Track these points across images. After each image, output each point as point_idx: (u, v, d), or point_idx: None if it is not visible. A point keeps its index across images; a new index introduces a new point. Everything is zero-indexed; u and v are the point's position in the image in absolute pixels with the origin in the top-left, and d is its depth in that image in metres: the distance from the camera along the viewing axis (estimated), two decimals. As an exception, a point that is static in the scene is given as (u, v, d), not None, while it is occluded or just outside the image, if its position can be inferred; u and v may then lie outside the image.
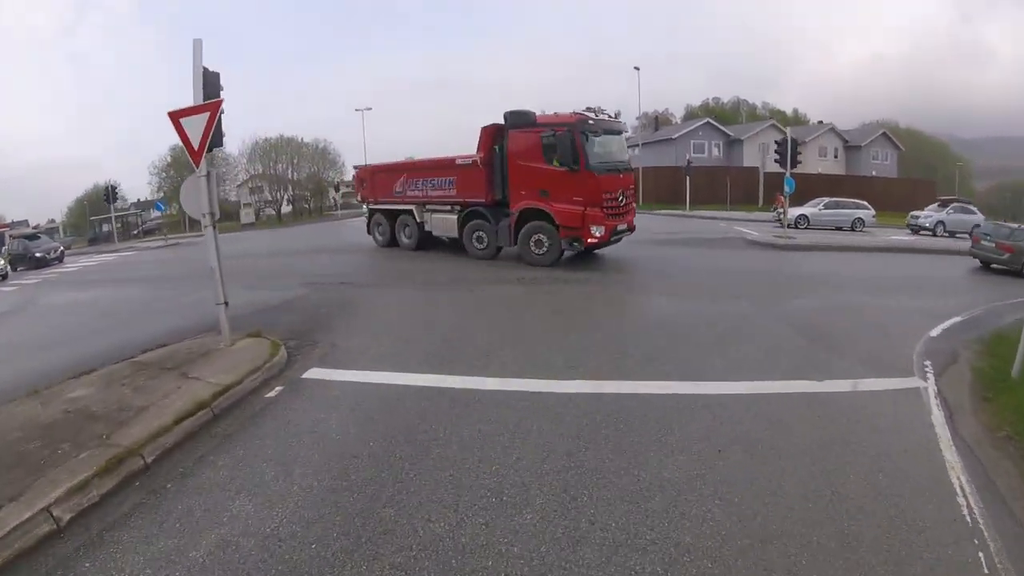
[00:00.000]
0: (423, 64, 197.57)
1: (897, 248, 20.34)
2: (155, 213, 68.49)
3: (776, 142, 21.50)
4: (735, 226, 26.19)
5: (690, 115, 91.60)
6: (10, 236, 34.25)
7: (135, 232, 56.83)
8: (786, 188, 20.01)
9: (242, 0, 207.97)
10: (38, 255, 28.36)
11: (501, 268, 13.82)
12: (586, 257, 14.59)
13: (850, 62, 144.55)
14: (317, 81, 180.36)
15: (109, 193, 34.45)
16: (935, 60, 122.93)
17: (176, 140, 7.43)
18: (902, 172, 60.55)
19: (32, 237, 31.50)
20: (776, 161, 20.56)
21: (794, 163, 20.23)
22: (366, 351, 7.50)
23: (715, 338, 7.84)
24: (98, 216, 57.13)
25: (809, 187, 38.08)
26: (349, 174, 61.34)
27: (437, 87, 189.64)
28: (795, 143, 20.76)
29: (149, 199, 62.42)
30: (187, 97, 7.41)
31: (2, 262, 25.18)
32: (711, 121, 58.37)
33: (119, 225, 53.28)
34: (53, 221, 67.09)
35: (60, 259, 29.42)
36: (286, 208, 60.85)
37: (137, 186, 56.69)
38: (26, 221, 75.01)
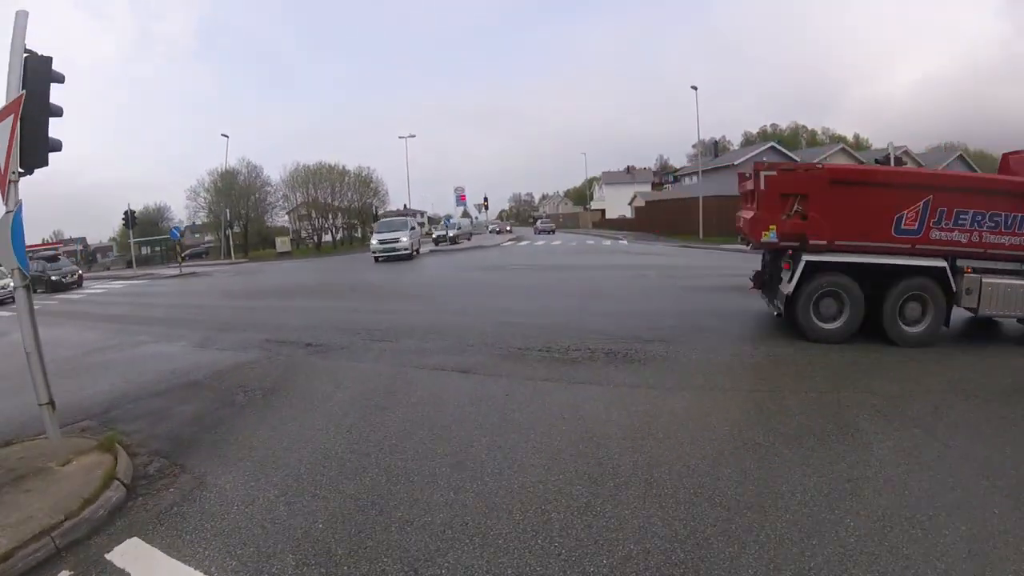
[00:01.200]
0: (469, 97, 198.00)
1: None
2: (193, 237, 68.91)
3: (877, 161, 17.54)
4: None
5: (748, 142, 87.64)
6: (32, 257, 33.00)
7: (184, 255, 56.22)
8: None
9: (294, 32, 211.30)
10: (54, 278, 27.83)
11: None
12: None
13: (905, 83, 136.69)
14: (362, 111, 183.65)
15: (128, 218, 32.76)
16: (991, 77, 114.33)
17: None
18: None
19: (52, 259, 30.48)
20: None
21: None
22: (239, 507, 4.40)
23: None
24: (143, 238, 57.08)
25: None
26: (394, 202, 60.34)
27: (488, 118, 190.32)
28: (901, 162, 16.81)
29: (197, 223, 62.17)
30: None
31: (10, 283, 24.13)
32: (776, 146, 53.97)
33: (159, 249, 52.88)
34: (115, 239, 67.37)
35: (78, 283, 28.68)
36: (336, 236, 59.47)
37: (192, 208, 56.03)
38: (84, 239, 76.54)
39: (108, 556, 3.84)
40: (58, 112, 6.13)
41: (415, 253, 31.75)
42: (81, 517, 4.20)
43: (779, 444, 5.00)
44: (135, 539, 4.02)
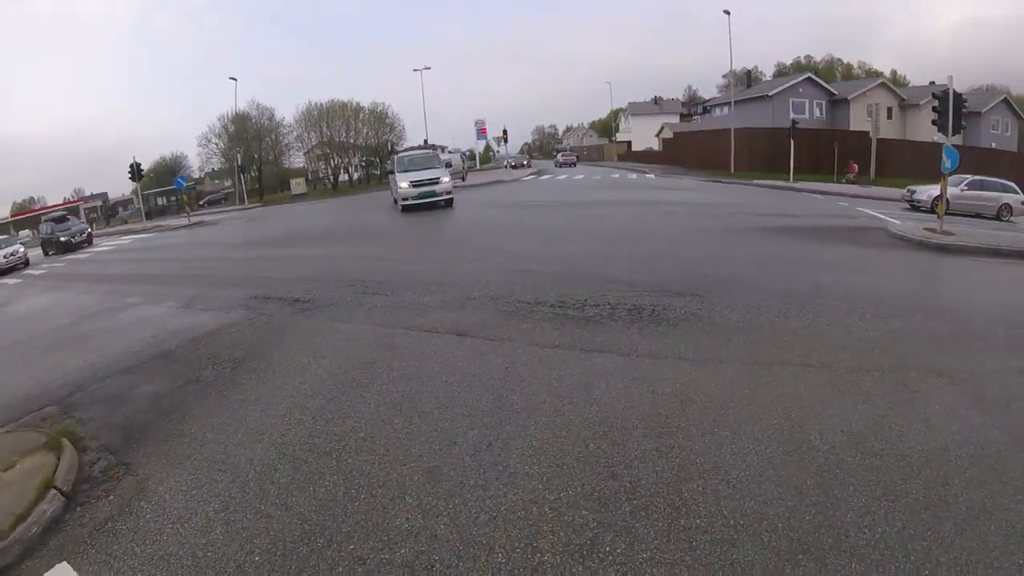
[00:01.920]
0: (489, 30, 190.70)
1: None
2: (213, 183, 68.32)
3: (935, 95, 15.46)
4: (859, 207, 20.50)
5: (781, 73, 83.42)
6: (43, 220, 32.65)
7: (201, 203, 55.83)
8: (947, 161, 13.99)
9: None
10: (63, 239, 27.63)
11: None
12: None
13: (947, 24, 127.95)
14: (377, 46, 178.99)
15: (134, 171, 31.83)
16: None
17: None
18: (1021, 146, 50.77)
19: (60, 220, 30.02)
20: (934, 123, 14.84)
21: (958, 128, 14.44)
22: (173, 526, 3.68)
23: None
24: (159, 189, 56.63)
25: (924, 158, 31.64)
26: (411, 139, 58.65)
27: (509, 51, 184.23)
28: (960, 99, 14.86)
29: (217, 168, 61.38)
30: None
31: (21, 248, 24.45)
32: (812, 77, 50.89)
33: (173, 199, 52.32)
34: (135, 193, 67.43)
35: (88, 242, 28.68)
36: (353, 175, 58.20)
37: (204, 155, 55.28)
38: (105, 194, 76.72)
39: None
40: None
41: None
42: (11, 539, 3.68)
43: (841, 449, 3.90)
44: (64, 565, 3.48)
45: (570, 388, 5.00)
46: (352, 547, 3.17)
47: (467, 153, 60.88)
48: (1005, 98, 52.21)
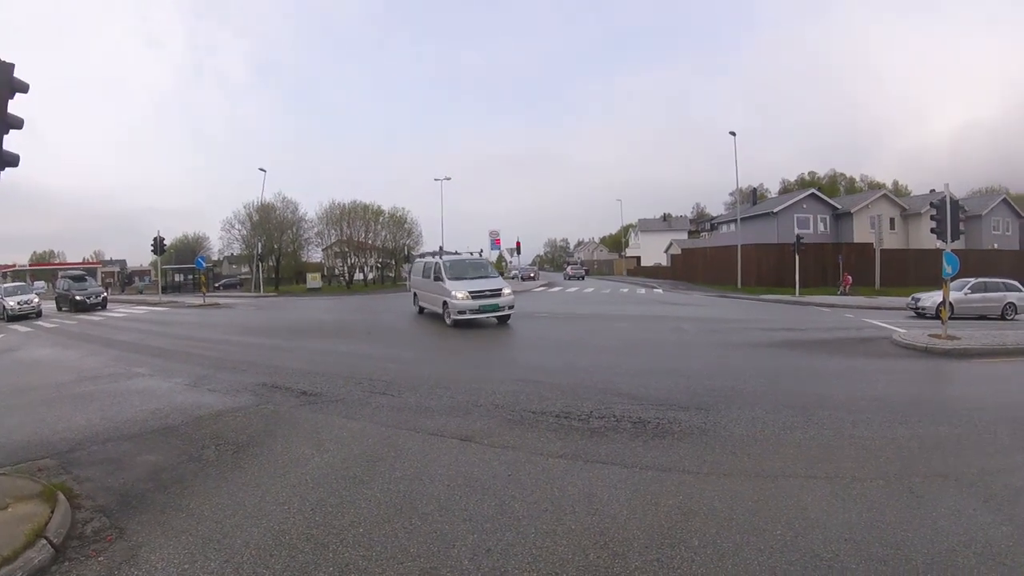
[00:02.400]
0: (505, 143, 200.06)
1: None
2: (231, 268, 69.72)
3: (932, 204, 16.06)
4: (864, 318, 20.64)
5: (786, 189, 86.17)
6: (60, 276, 33.45)
7: (217, 285, 56.86)
8: (947, 267, 14.28)
9: (337, 74, 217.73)
10: (78, 298, 28.39)
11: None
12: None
13: (945, 130, 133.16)
14: (399, 154, 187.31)
15: (157, 245, 32.71)
16: None
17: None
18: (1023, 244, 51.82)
19: (78, 279, 30.87)
20: (932, 231, 15.25)
21: (957, 233, 14.79)
22: None
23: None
24: (178, 265, 57.91)
25: (927, 265, 32.16)
26: (427, 244, 60.25)
27: (522, 164, 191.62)
28: (957, 205, 15.33)
29: (236, 254, 62.86)
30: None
31: (36, 298, 25.12)
32: (816, 193, 52.64)
33: (191, 277, 53.38)
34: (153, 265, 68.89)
35: (103, 305, 29.13)
36: (368, 275, 59.41)
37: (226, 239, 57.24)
38: (124, 261, 78.37)
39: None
40: (17, 124, 5.57)
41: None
42: (12, 567, 3.75)
43: (846, 557, 3.84)
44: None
45: (572, 498, 4.95)
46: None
47: (508, 263, 62.02)
48: (1004, 198, 53.65)
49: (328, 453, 6.17)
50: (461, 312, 16.90)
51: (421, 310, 21.25)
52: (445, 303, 17.57)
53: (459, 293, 17.02)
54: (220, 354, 13.57)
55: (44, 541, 4.16)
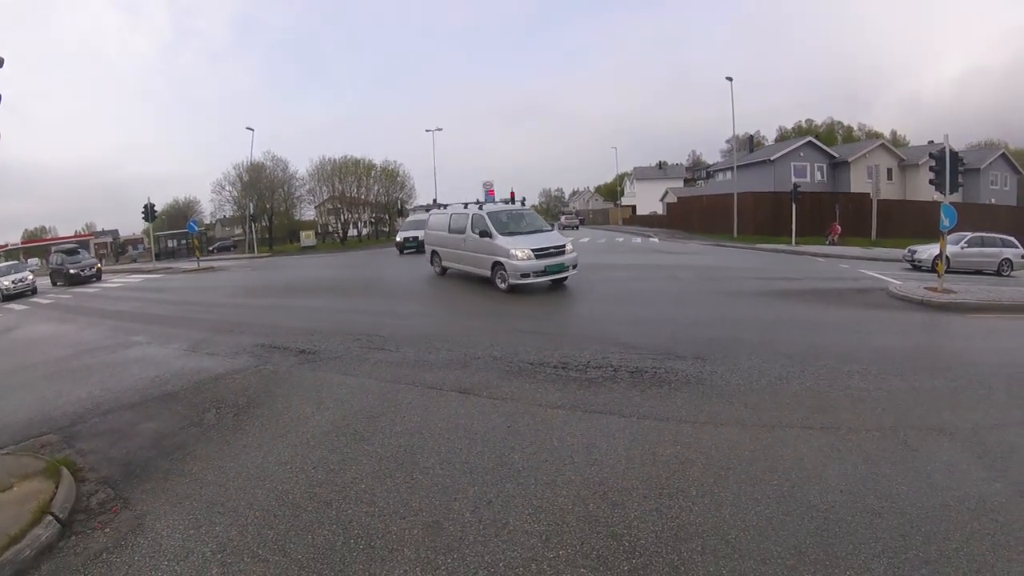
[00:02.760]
0: (497, 92, 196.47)
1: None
2: (224, 230, 69.33)
3: (931, 155, 15.88)
4: (860, 268, 20.67)
5: (783, 137, 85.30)
6: (53, 251, 33.22)
7: (211, 248, 56.54)
8: (945, 220, 14.22)
9: (320, 25, 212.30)
10: (72, 271, 28.39)
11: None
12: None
13: (943, 80, 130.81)
14: (389, 107, 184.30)
15: (148, 211, 32.39)
16: None
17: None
18: (1020, 200, 51.88)
19: (71, 252, 30.61)
20: (931, 183, 15.12)
21: (955, 186, 14.68)
22: (168, 563, 3.68)
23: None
24: (170, 231, 57.45)
25: (924, 217, 32.07)
26: (420, 198, 59.57)
27: (517, 114, 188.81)
28: (957, 157, 15.18)
29: (229, 216, 62.29)
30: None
31: (30, 276, 25.00)
32: (813, 140, 52.05)
33: (184, 242, 53.03)
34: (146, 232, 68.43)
35: (97, 277, 29.08)
36: (362, 231, 58.92)
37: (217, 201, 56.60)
38: (116, 231, 77.75)
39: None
40: None
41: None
42: (3, 559, 3.71)
43: (841, 508, 3.92)
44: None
45: (571, 448, 5.01)
46: (349, 600, 3.18)
47: None
48: (1003, 153, 53.22)
49: (328, 411, 6.21)
50: (525, 275, 13.85)
51: (444, 270, 17.92)
52: (498, 264, 14.32)
53: (519, 252, 13.90)
54: (217, 317, 13.56)
55: (50, 517, 4.19)
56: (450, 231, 16.70)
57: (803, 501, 4.02)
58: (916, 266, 21.46)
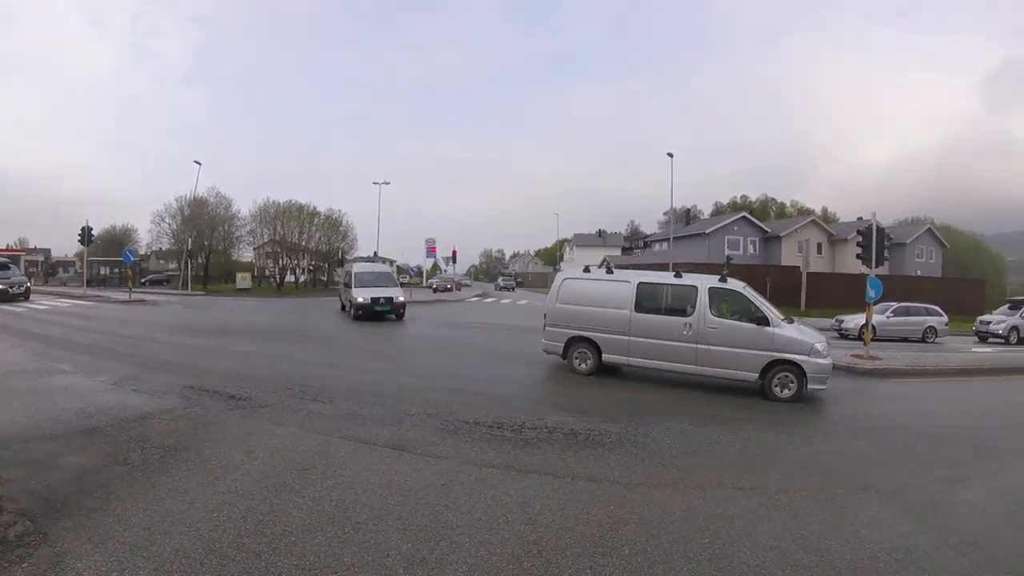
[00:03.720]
0: (444, 152, 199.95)
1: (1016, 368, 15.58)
2: (158, 263, 66.87)
3: (859, 232, 16.93)
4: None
5: (718, 211, 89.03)
6: None
7: (143, 281, 54.27)
8: (871, 291, 15.08)
9: (280, 68, 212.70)
10: (0, 287, 25.99)
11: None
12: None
13: (876, 160, 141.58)
14: (338, 156, 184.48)
15: (85, 235, 31.15)
16: (961, 155, 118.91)
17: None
18: (945, 271, 55.32)
19: (2, 267, 28.73)
20: (858, 256, 16.12)
21: (881, 259, 15.67)
22: None
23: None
24: (104, 258, 55.06)
25: (851, 289, 33.79)
26: (362, 249, 59.08)
27: (461, 173, 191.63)
28: (883, 233, 16.25)
29: (165, 248, 60.25)
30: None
31: None
32: (747, 216, 54.78)
33: (117, 271, 50.86)
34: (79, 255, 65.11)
35: (25, 295, 27.69)
36: (300, 277, 57.77)
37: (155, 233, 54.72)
38: (48, 250, 73.86)
39: None
40: None
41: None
42: None
43: (771, 564, 4.05)
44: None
45: (506, 507, 5.00)
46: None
47: (415, 269, 61.12)
48: (929, 228, 56.95)
49: (258, 460, 6.01)
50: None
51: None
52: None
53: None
54: (147, 353, 13.05)
55: None
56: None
57: (734, 557, 4.15)
58: (843, 335, 22.53)
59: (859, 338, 19.49)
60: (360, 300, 22.67)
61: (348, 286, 24.44)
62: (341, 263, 52.64)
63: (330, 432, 7.12)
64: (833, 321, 24.30)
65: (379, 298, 22.80)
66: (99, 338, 15.61)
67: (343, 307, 25.91)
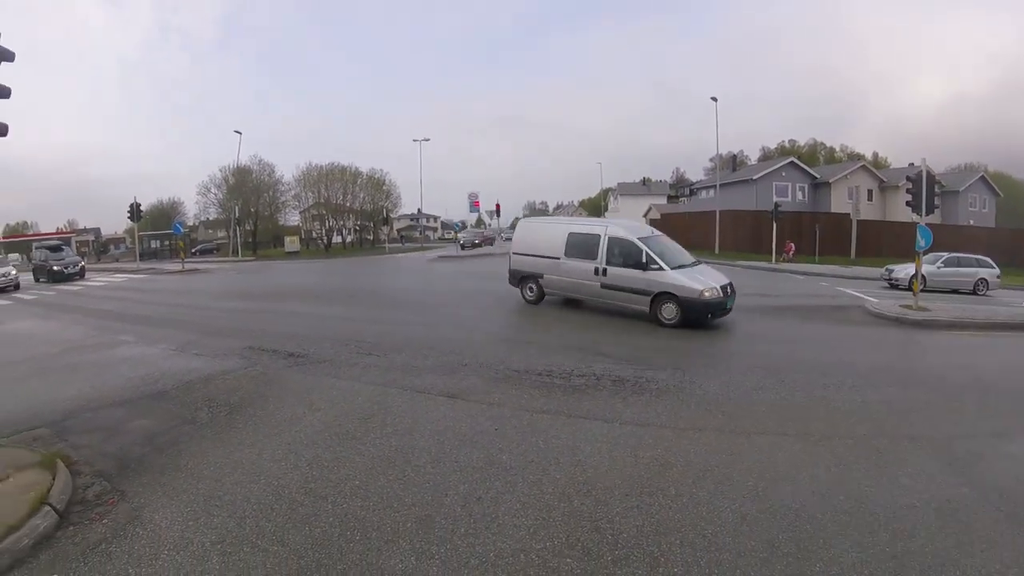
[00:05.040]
0: (485, 104, 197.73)
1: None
2: (207, 232, 68.78)
3: (908, 178, 16.30)
4: (839, 286, 21.12)
5: (766, 157, 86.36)
6: (36, 247, 32.82)
7: (193, 251, 55.99)
8: (920, 241, 14.68)
9: (311, 33, 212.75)
10: (56, 268, 28.07)
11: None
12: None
13: (929, 104, 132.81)
14: (377, 116, 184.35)
15: (134, 211, 32.17)
16: (1015, 97, 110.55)
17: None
18: (999, 221, 52.38)
19: (55, 248, 30.31)
20: (908, 204, 15.57)
21: (931, 207, 15.16)
22: (169, 553, 3.76)
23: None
24: (154, 232, 56.91)
25: (903, 238, 32.72)
26: (406, 207, 59.47)
27: (501, 126, 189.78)
28: (933, 180, 15.68)
29: (212, 218, 61.79)
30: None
31: (13, 271, 24.77)
32: (795, 161, 52.81)
33: (167, 243, 52.56)
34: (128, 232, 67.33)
35: (81, 274, 28.94)
36: (347, 238, 58.73)
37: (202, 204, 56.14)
38: (98, 229, 76.64)
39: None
40: (5, 93, 5.55)
41: None
42: (1, 547, 3.72)
43: (812, 507, 4.17)
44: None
45: (556, 450, 5.22)
46: (348, 585, 3.34)
47: (460, 224, 61.38)
48: (982, 176, 53.88)
49: (320, 412, 6.36)
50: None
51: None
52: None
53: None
54: (204, 319, 13.61)
55: (48, 508, 4.24)
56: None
57: (776, 500, 4.27)
58: (893, 285, 21.93)
59: (909, 288, 18.98)
60: (705, 295, 11.51)
61: (635, 265, 12.24)
62: (386, 221, 53.26)
63: (387, 383, 7.45)
64: (883, 270, 23.61)
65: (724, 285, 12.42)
66: (156, 309, 16.20)
67: (542, 297, 14.43)
